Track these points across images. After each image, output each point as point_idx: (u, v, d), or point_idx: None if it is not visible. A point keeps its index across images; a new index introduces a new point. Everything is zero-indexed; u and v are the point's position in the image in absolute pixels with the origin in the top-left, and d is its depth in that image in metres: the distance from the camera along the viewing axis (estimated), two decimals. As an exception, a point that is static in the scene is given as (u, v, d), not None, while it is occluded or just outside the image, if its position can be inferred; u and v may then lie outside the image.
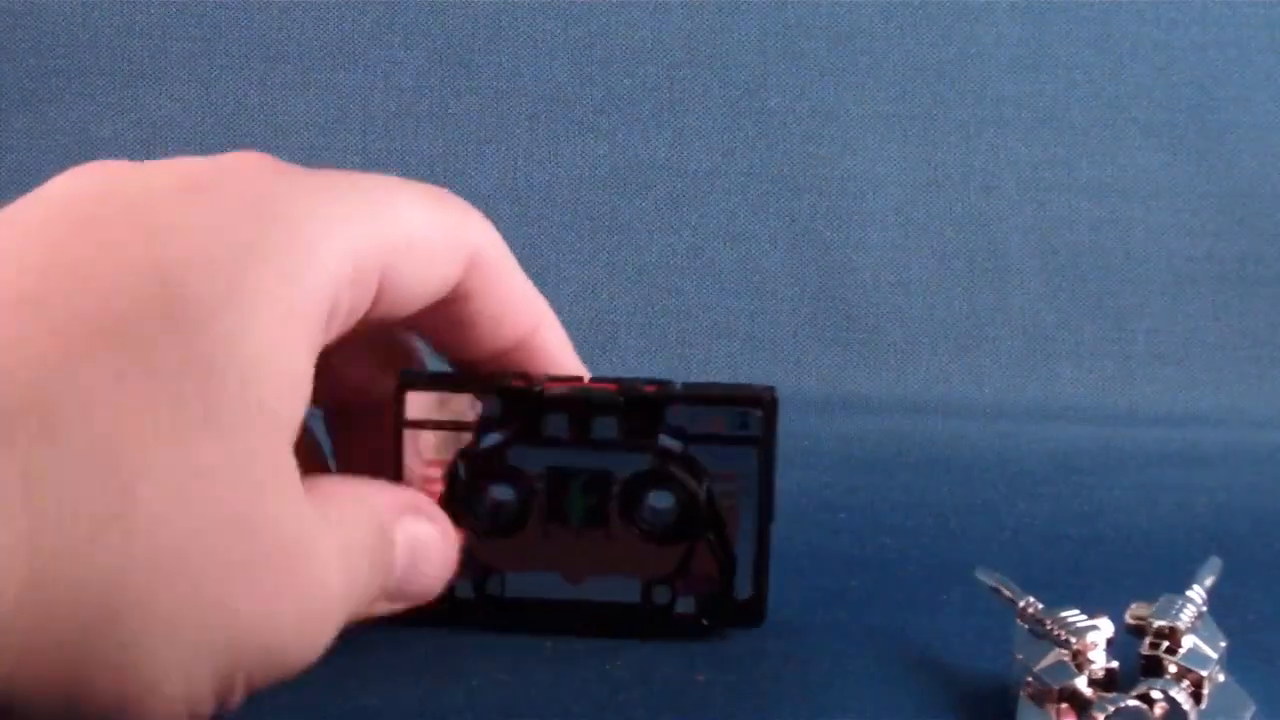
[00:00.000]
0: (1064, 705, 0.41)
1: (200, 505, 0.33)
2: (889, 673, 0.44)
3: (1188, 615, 0.43)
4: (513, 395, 0.42)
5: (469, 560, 0.43)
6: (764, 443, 0.42)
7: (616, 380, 0.43)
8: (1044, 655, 0.42)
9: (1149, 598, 0.44)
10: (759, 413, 0.42)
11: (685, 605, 0.44)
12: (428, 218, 0.40)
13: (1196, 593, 0.44)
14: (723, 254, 0.64)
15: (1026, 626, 0.43)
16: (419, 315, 0.42)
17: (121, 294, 0.34)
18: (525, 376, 0.43)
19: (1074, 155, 0.65)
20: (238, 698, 0.35)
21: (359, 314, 0.39)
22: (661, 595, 0.44)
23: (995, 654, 0.44)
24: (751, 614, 0.44)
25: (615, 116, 0.65)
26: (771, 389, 0.42)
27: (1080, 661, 0.41)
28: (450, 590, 0.42)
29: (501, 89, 0.65)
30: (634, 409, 0.42)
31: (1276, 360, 0.65)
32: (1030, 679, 0.42)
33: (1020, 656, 0.42)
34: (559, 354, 0.44)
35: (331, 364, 0.40)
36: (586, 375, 0.44)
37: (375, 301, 0.39)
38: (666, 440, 0.42)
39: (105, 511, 0.32)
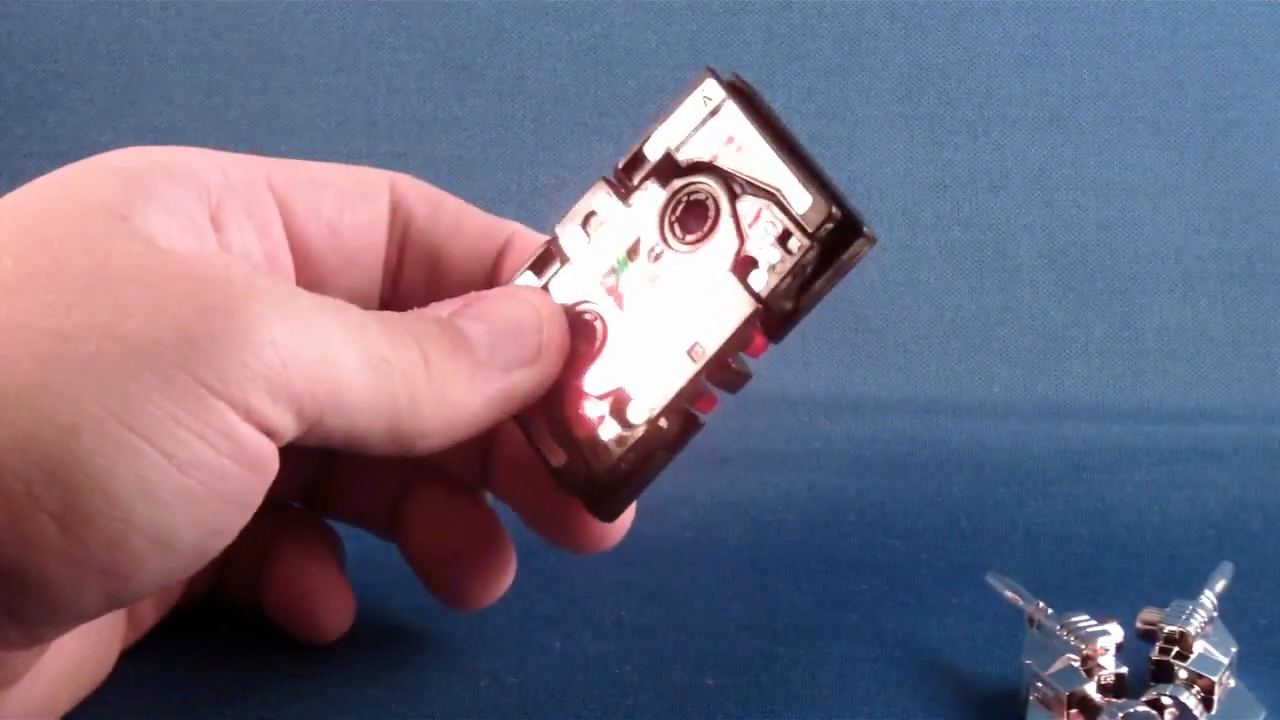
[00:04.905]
0: (1073, 711, 0.41)
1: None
2: (899, 676, 0.44)
3: (1198, 620, 0.42)
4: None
5: None
6: (738, 94, 0.41)
7: None
8: (1053, 660, 0.42)
9: (1160, 601, 0.44)
10: (713, 81, 0.41)
11: (776, 277, 0.41)
12: (317, 164, 0.42)
13: (1208, 598, 0.43)
14: (729, 254, 0.64)
15: (1036, 631, 0.43)
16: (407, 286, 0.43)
17: None
18: None
19: (1081, 154, 0.65)
20: (284, 412, 0.34)
21: (271, 221, 0.40)
22: (758, 269, 0.41)
23: (1005, 658, 0.44)
24: (849, 227, 0.41)
25: (620, 119, 0.64)
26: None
27: (1090, 667, 0.41)
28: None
29: (505, 92, 0.65)
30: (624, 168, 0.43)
31: (1286, 356, 0.65)
32: (1040, 684, 0.41)
33: (1030, 661, 0.42)
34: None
35: None
36: None
37: (304, 217, 0.40)
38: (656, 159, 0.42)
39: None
